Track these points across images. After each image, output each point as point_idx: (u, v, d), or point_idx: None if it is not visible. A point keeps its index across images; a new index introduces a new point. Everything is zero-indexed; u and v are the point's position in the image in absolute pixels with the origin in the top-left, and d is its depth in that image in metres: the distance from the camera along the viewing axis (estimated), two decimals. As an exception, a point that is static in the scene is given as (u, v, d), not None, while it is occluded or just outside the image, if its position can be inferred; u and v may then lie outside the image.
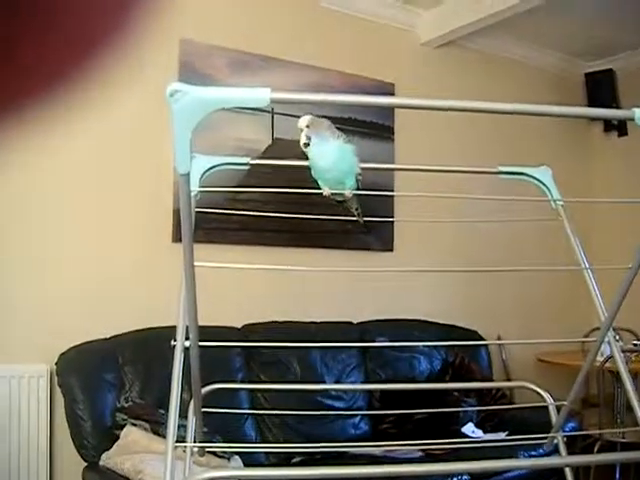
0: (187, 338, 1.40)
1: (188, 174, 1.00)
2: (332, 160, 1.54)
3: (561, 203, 1.74)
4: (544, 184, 1.79)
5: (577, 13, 4.73)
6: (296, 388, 3.40)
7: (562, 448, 1.74)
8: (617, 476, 4.09)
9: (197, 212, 1.59)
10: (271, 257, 4.07)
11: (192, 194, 1.54)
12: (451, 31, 4.76)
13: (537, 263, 4.97)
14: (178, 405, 1.32)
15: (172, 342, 1.40)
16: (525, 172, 1.82)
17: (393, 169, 4.33)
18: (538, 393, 1.87)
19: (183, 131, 0.90)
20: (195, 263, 1.18)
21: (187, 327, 1.40)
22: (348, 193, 1.58)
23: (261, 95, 0.89)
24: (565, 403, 1.72)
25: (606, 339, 1.55)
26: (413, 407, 3.22)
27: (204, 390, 1.68)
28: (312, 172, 1.59)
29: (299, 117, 1.61)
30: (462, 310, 4.87)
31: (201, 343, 1.39)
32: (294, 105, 4.07)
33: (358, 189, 1.64)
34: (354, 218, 1.80)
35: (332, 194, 1.59)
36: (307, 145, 1.52)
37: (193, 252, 1.16)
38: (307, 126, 1.54)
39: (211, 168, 1.68)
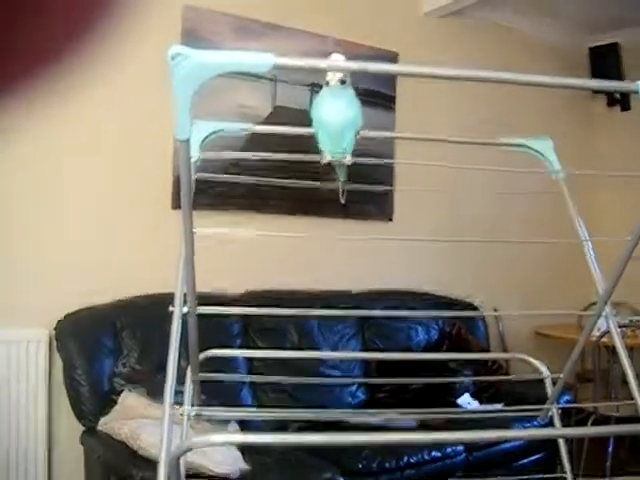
0: (185, 304, 1.40)
1: (188, 140, 0.99)
2: (344, 104, 1.49)
3: (562, 175, 1.73)
4: (544, 156, 1.77)
5: (583, -15, 4.69)
6: (293, 356, 3.41)
7: (557, 420, 1.75)
8: (610, 450, 4.12)
9: (197, 179, 1.59)
10: (272, 225, 4.07)
11: (192, 160, 1.54)
12: (455, 1, 4.72)
13: (538, 236, 4.97)
14: (175, 370, 1.33)
15: (170, 308, 1.40)
16: (526, 144, 1.81)
17: (392, 137, 4.31)
18: (534, 365, 1.87)
19: (184, 96, 0.89)
20: (194, 229, 1.18)
21: (185, 294, 1.40)
22: (347, 160, 1.55)
23: (265, 60, 0.88)
24: (561, 376, 1.73)
25: (603, 313, 1.54)
26: (410, 377, 3.23)
27: (202, 356, 1.69)
28: (314, 117, 1.53)
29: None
30: (460, 282, 4.88)
31: (199, 309, 1.39)
32: (296, 73, 4.05)
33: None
34: (348, 186, 1.75)
35: (332, 160, 1.56)
36: (344, 82, 1.46)
37: (192, 218, 1.16)
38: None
39: (212, 134, 1.67)
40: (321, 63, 0.95)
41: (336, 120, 1.51)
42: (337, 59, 1.40)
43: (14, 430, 3.27)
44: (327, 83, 1.46)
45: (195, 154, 1.58)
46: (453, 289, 4.73)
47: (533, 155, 1.82)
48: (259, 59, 0.87)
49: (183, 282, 1.38)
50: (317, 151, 1.57)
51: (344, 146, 1.55)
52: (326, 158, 1.54)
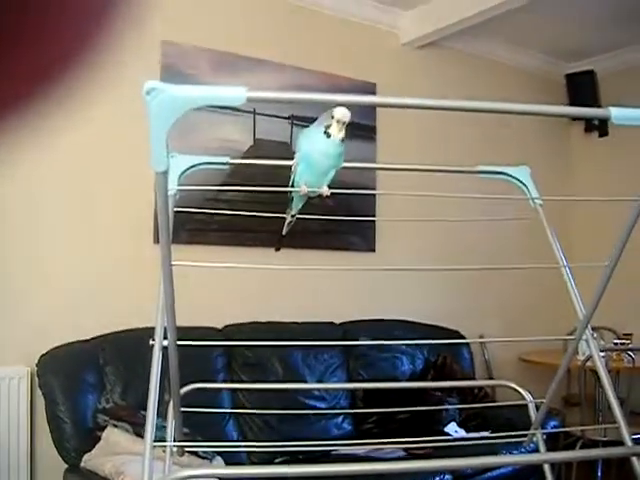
0: (166, 338, 1.40)
1: (165, 172, 1.00)
2: (338, 152, 1.53)
3: (539, 202, 1.75)
4: (523, 183, 1.80)
5: (558, 14, 4.75)
6: (277, 387, 3.40)
7: (541, 445, 1.74)
8: (599, 474, 4.11)
9: (178, 212, 1.59)
10: (254, 257, 4.06)
11: (170, 193, 1.54)
12: (432, 32, 4.77)
13: (519, 263, 4.99)
14: (156, 404, 1.32)
15: (150, 341, 1.40)
16: (504, 171, 1.83)
17: (372, 168, 4.34)
18: (517, 391, 1.87)
19: (159, 129, 0.90)
20: (173, 262, 1.18)
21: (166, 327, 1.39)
22: (325, 191, 1.57)
23: (237, 94, 0.89)
24: (544, 401, 1.73)
25: (584, 337, 1.55)
26: (396, 407, 3.22)
27: (183, 390, 1.68)
28: (303, 150, 1.55)
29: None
30: (444, 310, 4.88)
31: (179, 342, 1.38)
32: (276, 106, 4.07)
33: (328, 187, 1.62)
34: (330, 217, 1.77)
35: (310, 192, 1.58)
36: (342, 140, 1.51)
37: (171, 250, 1.16)
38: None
39: (190, 167, 1.67)
40: (292, 95, 0.97)
41: (327, 163, 1.54)
42: (344, 113, 1.45)
43: (-4, 469, 3.24)
44: (328, 135, 1.50)
45: (173, 187, 1.59)
46: (437, 318, 4.72)
47: (511, 183, 1.84)
48: (232, 92, 0.88)
49: (163, 315, 1.38)
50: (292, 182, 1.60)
51: (323, 182, 1.58)
52: (304, 189, 1.57)
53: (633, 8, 4.55)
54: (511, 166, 1.87)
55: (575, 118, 5.59)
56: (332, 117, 1.49)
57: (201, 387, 1.82)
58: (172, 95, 0.87)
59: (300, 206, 1.70)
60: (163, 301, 1.33)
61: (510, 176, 1.83)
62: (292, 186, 1.62)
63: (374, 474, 1.19)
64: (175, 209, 1.56)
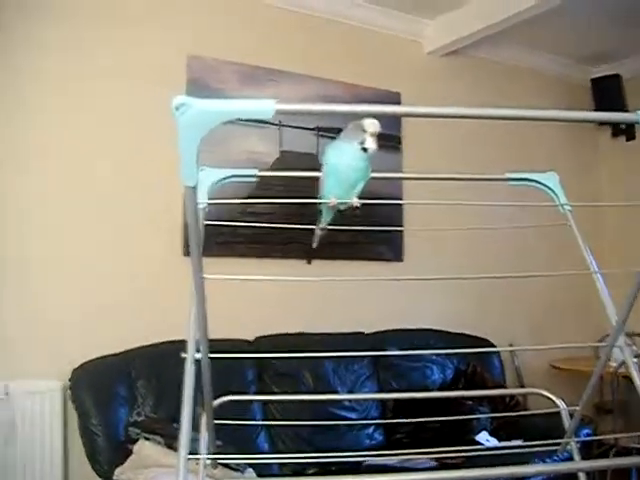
0: (198, 351, 1.40)
1: (195, 187, 1.00)
2: (366, 165, 1.54)
3: (569, 208, 1.73)
4: (551, 189, 1.78)
5: (582, 19, 4.73)
6: (308, 398, 3.39)
7: (575, 453, 1.72)
8: (634, 483, 4.06)
9: (207, 225, 1.59)
10: (282, 269, 4.07)
11: (200, 207, 1.55)
12: (456, 40, 4.77)
13: (548, 269, 4.95)
14: (190, 417, 1.32)
15: (182, 354, 1.40)
16: (532, 178, 1.81)
17: (400, 178, 4.33)
18: (550, 399, 1.85)
19: (189, 144, 0.91)
20: (204, 275, 1.18)
21: (198, 340, 1.39)
22: (356, 201, 1.57)
23: (266, 106, 0.89)
24: (577, 408, 1.71)
25: (617, 344, 1.53)
26: (427, 417, 3.20)
27: (216, 402, 1.68)
28: (331, 164, 1.56)
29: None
30: (474, 319, 4.85)
31: (211, 355, 1.39)
32: (301, 118, 4.09)
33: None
34: (358, 228, 1.76)
35: (339, 203, 1.58)
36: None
37: (202, 264, 1.16)
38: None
39: (219, 181, 1.68)
40: (320, 107, 0.97)
41: (355, 176, 1.55)
42: (376, 124, 1.46)
43: (30, 482, 3.26)
44: (365, 149, 1.50)
45: (203, 201, 1.59)
46: (466, 326, 4.70)
47: (540, 189, 1.82)
48: (261, 106, 0.89)
49: (195, 327, 1.38)
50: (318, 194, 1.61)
51: (351, 194, 1.58)
52: (333, 201, 1.57)
53: (658, 10, 4.52)
54: (539, 172, 1.85)
55: (602, 123, 5.55)
56: (364, 131, 1.50)
57: (234, 399, 1.82)
58: (201, 109, 0.88)
59: (329, 219, 1.71)
60: (194, 314, 1.34)
61: (539, 183, 1.81)
62: (321, 199, 1.63)
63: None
64: (205, 222, 1.57)
